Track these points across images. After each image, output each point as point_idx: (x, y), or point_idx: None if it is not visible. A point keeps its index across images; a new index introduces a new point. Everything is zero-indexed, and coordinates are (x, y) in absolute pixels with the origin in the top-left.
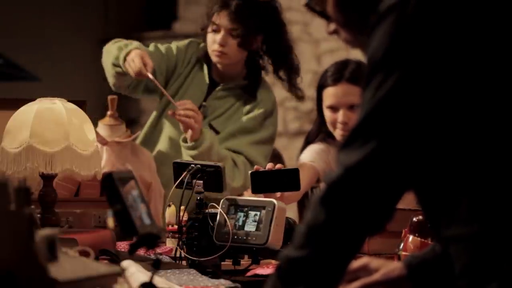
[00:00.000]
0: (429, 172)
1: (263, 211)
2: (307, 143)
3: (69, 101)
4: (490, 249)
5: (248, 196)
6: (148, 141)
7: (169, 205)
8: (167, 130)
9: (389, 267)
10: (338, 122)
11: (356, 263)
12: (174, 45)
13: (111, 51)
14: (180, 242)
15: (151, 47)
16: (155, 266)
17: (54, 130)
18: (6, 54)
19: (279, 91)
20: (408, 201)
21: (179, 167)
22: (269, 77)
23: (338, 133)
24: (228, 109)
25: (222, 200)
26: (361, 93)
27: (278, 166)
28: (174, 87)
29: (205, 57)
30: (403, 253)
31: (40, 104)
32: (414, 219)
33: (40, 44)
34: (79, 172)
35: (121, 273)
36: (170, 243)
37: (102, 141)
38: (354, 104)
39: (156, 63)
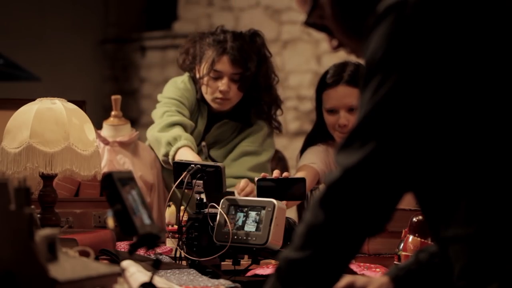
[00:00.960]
0: (428, 173)
1: (263, 211)
2: (306, 145)
3: (69, 101)
4: (490, 250)
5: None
6: None
7: (169, 205)
8: None
9: (375, 285)
10: (338, 124)
11: (341, 283)
12: (182, 87)
13: (160, 141)
14: (180, 242)
15: (182, 84)
16: (155, 266)
17: (54, 130)
18: (6, 54)
19: (278, 91)
20: (408, 201)
21: (179, 167)
22: None
23: (338, 135)
24: (226, 142)
25: (222, 200)
26: (360, 94)
27: (285, 174)
28: None
29: (202, 97)
30: (403, 253)
31: (40, 104)
32: (414, 219)
33: (40, 44)
34: (79, 172)
35: (121, 273)
36: (170, 243)
37: (104, 141)
38: (354, 106)
39: (189, 104)
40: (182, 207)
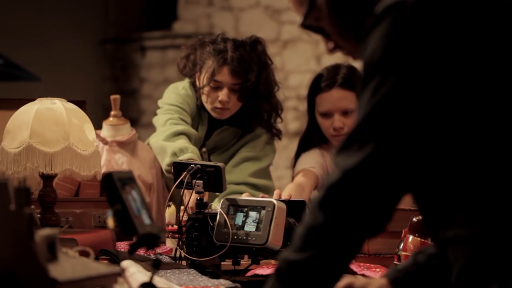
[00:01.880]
0: (427, 174)
1: (263, 211)
2: (301, 149)
3: (69, 101)
4: (489, 251)
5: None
6: None
7: (169, 205)
8: None
9: (374, 286)
10: (333, 128)
11: (340, 284)
12: (184, 93)
13: (165, 150)
14: (180, 242)
15: (183, 91)
16: (155, 266)
17: (54, 130)
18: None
19: (278, 91)
20: (408, 201)
21: (179, 167)
22: None
23: (333, 139)
24: (227, 147)
25: (222, 200)
26: (358, 96)
27: (286, 197)
28: None
29: (202, 104)
30: (403, 253)
31: (40, 104)
32: (414, 219)
33: (40, 44)
34: (79, 172)
35: (121, 273)
36: (170, 243)
37: (103, 141)
38: (348, 109)
39: (190, 111)
40: (182, 207)
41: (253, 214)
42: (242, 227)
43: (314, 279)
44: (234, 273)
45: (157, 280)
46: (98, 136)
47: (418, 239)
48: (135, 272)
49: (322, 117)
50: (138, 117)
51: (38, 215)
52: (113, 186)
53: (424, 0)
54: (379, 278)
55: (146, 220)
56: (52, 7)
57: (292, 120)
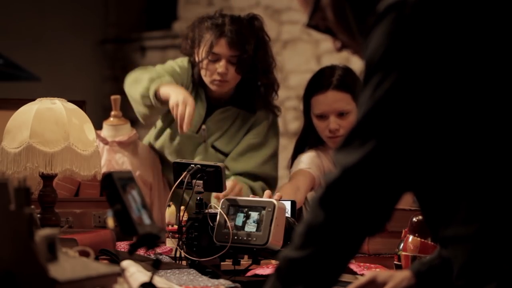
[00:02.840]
0: (428, 172)
1: (263, 212)
2: (297, 151)
3: (69, 101)
4: (489, 250)
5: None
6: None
7: (169, 205)
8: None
9: (397, 279)
10: (329, 130)
11: (363, 278)
12: (175, 64)
13: (141, 80)
14: (180, 242)
15: (169, 67)
16: (155, 266)
17: (54, 130)
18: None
19: (279, 91)
20: (408, 201)
21: (179, 167)
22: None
23: (329, 140)
24: (228, 129)
25: (222, 201)
26: (358, 95)
27: (277, 196)
28: None
29: (200, 81)
30: (403, 253)
31: (40, 104)
32: (414, 219)
33: (40, 44)
34: (79, 172)
35: (121, 273)
36: (170, 243)
37: (103, 141)
38: (344, 111)
39: (180, 78)
40: (182, 207)
41: (253, 215)
42: (242, 227)
43: (314, 276)
44: (234, 273)
45: (157, 280)
46: (98, 136)
47: (418, 239)
48: (135, 272)
49: (317, 119)
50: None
51: (38, 215)
52: (113, 186)
53: None
54: (403, 271)
55: (146, 220)
56: (52, 7)
57: (292, 120)
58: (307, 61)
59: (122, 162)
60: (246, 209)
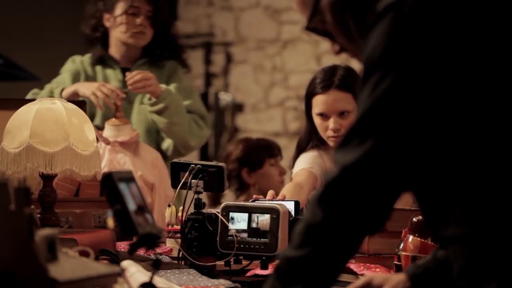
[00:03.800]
0: (427, 172)
1: (267, 217)
2: (299, 151)
3: (69, 101)
4: (489, 249)
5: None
6: None
7: (169, 205)
8: None
9: (392, 282)
10: (330, 129)
11: (359, 281)
12: (65, 68)
13: (38, 94)
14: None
15: (62, 74)
16: (155, 266)
17: (54, 130)
18: (6, 54)
19: (278, 91)
20: (408, 201)
21: (178, 167)
22: None
23: (330, 140)
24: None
25: (221, 207)
26: (358, 94)
27: (281, 196)
28: None
29: (107, 54)
30: (403, 253)
31: (40, 104)
32: (414, 219)
33: (40, 44)
34: (79, 172)
35: (121, 273)
36: (170, 243)
37: (105, 141)
38: (345, 111)
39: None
40: (181, 207)
41: (256, 220)
42: (246, 234)
43: (313, 275)
44: (234, 273)
45: (157, 280)
46: (100, 136)
47: (418, 239)
48: (135, 272)
49: (319, 119)
50: None
51: (38, 215)
52: (113, 186)
53: None
54: (398, 274)
55: (146, 220)
56: (52, 7)
57: (292, 120)
58: (307, 61)
59: (123, 162)
60: (247, 215)
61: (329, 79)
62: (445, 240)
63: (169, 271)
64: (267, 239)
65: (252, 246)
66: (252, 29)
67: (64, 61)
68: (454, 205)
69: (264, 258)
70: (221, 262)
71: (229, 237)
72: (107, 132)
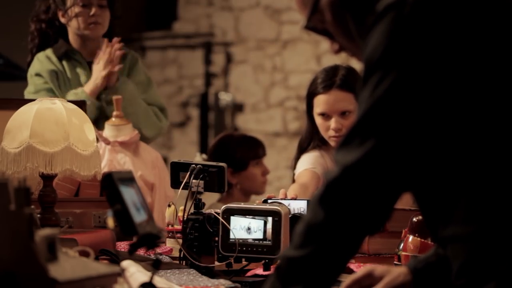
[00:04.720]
0: (427, 171)
1: (269, 220)
2: (300, 151)
3: (69, 101)
4: (488, 249)
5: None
6: None
7: (169, 205)
8: None
9: (393, 274)
10: (331, 129)
11: (360, 272)
12: (34, 71)
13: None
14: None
15: (38, 78)
16: (155, 266)
17: (54, 130)
18: (6, 54)
19: (278, 91)
20: (408, 201)
21: (178, 167)
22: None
23: (332, 140)
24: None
25: (222, 209)
26: (358, 94)
27: (293, 196)
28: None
29: (71, 49)
30: (403, 253)
31: (40, 104)
32: (414, 219)
33: None
34: (79, 172)
35: (121, 273)
36: (170, 243)
37: (105, 141)
38: (347, 111)
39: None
40: (181, 207)
41: (257, 223)
42: (248, 237)
43: (313, 275)
44: (234, 273)
45: (157, 280)
46: (100, 136)
47: (418, 239)
48: (135, 272)
49: (320, 119)
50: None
51: (38, 215)
52: (113, 186)
53: None
54: (399, 267)
55: (146, 220)
56: None
57: (292, 120)
58: (307, 61)
59: (123, 162)
60: (248, 217)
61: (331, 79)
62: (444, 239)
63: (169, 271)
64: (269, 242)
65: (254, 249)
66: (252, 29)
67: None
68: (453, 205)
69: (266, 260)
70: (222, 263)
71: (230, 240)
72: (107, 132)
